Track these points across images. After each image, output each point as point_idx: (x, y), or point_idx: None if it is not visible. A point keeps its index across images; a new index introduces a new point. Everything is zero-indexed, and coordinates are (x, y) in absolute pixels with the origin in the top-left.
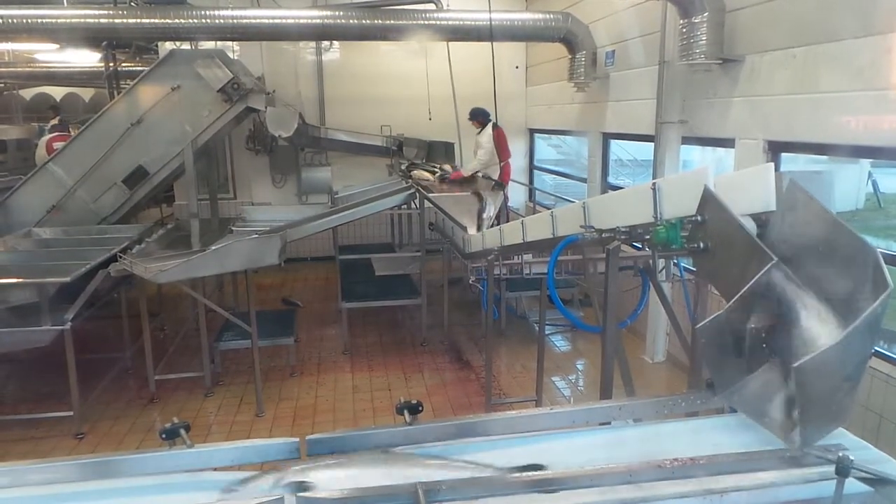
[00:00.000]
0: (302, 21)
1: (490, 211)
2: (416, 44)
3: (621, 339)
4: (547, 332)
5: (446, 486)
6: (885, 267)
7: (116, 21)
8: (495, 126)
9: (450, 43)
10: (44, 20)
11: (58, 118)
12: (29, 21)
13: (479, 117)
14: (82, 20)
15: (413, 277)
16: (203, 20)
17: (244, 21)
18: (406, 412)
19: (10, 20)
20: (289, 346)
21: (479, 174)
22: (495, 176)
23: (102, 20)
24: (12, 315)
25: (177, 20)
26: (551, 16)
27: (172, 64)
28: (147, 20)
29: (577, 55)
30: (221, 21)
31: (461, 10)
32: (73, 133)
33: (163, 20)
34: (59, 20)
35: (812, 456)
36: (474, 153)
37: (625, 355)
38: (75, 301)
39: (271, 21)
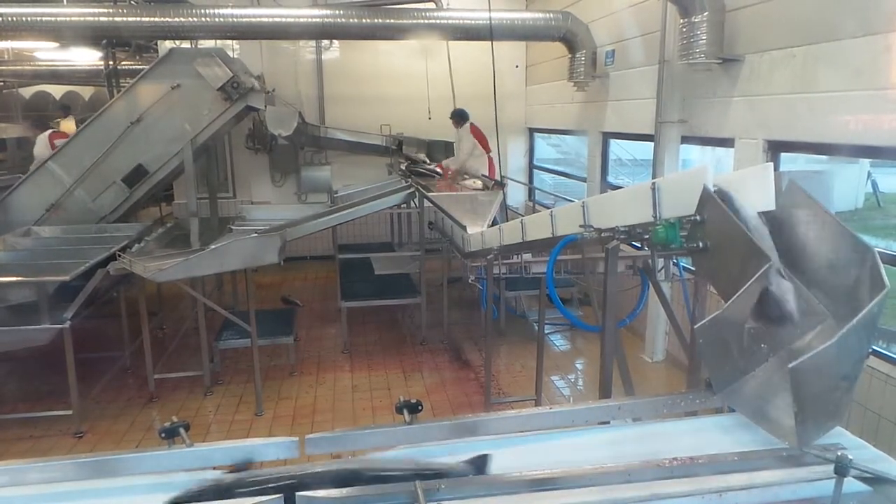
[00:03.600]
0: (302, 20)
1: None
2: (415, 43)
3: (620, 339)
4: (546, 332)
5: (445, 486)
6: (882, 267)
7: (117, 19)
8: (472, 124)
9: (449, 42)
10: (43, 18)
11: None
12: (28, 19)
13: (457, 118)
14: (82, 18)
15: (412, 276)
16: (203, 19)
17: (244, 20)
18: (405, 411)
19: (9, 18)
20: (288, 345)
21: (470, 170)
22: (484, 170)
23: (102, 18)
24: (11, 314)
25: (176, 19)
26: (551, 15)
27: (172, 62)
28: (147, 19)
29: (576, 54)
30: (221, 20)
31: (461, 10)
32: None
33: (163, 19)
34: (58, 18)
35: (811, 455)
36: (456, 148)
37: (624, 355)
38: (74, 300)
39: (271, 20)
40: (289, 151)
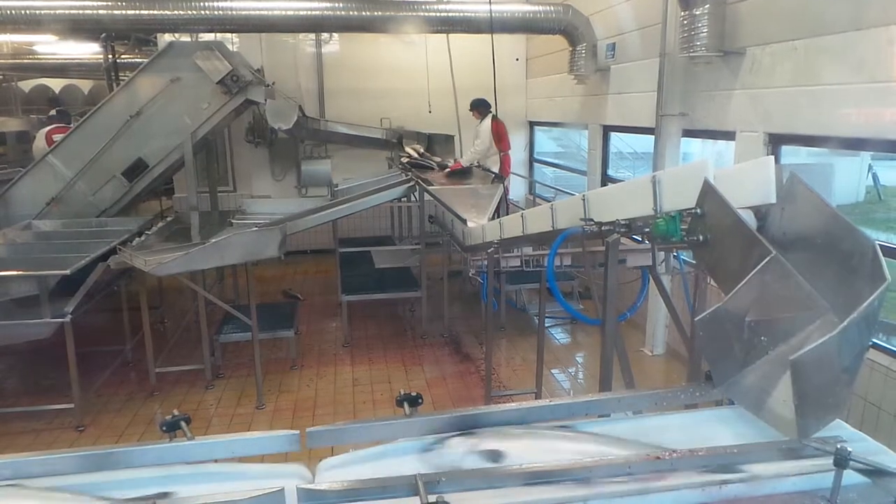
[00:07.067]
0: (301, 13)
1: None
2: (416, 36)
3: (621, 332)
4: (547, 325)
5: (446, 478)
6: (882, 259)
7: (115, 12)
8: (494, 118)
9: (450, 35)
10: (42, 11)
11: (54, 110)
12: (26, 12)
13: (480, 108)
14: (80, 11)
15: (413, 270)
16: (201, 11)
17: (243, 12)
18: (406, 404)
19: (7, 11)
20: (289, 338)
21: (476, 165)
22: (495, 168)
23: (101, 11)
24: (13, 307)
25: (175, 11)
26: (551, 8)
27: (171, 56)
28: (146, 12)
29: (577, 47)
30: (220, 12)
31: (461, 2)
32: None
33: (161, 12)
34: (57, 11)
35: (810, 448)
36: (472, 143)
37: (624, 348)
38: (75, 294)
39: (270, 12)
40: (289, 145)
